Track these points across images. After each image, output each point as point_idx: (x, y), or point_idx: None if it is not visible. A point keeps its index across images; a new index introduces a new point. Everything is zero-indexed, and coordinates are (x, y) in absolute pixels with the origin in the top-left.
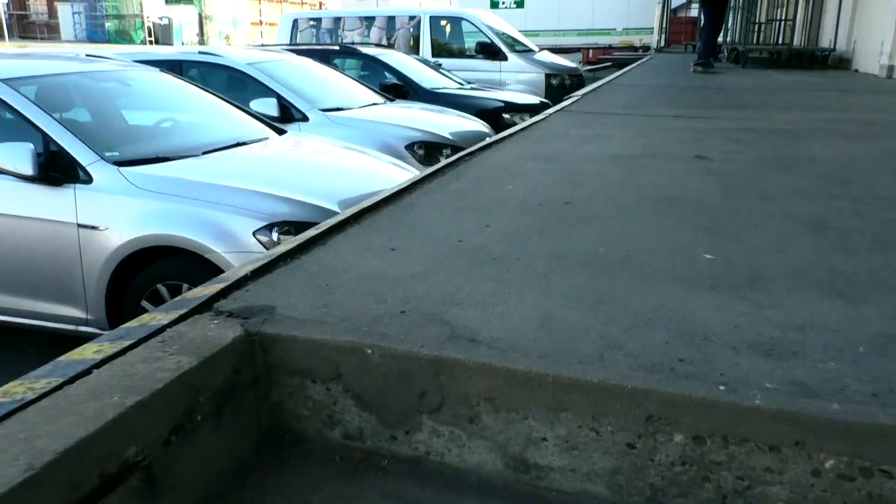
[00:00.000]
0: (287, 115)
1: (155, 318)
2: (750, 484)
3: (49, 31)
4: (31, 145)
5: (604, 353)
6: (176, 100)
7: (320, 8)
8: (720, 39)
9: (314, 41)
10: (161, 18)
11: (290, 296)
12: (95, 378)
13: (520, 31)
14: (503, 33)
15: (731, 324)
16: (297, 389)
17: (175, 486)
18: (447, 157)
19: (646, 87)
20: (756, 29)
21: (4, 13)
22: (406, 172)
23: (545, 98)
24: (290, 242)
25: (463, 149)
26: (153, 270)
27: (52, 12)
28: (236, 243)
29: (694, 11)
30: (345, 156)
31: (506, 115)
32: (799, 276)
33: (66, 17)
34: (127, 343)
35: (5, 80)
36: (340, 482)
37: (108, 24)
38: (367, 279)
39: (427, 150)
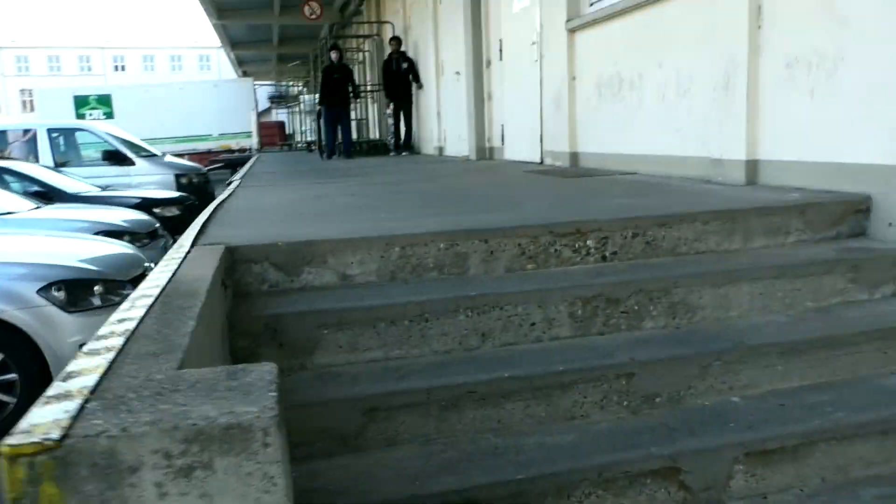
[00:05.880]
0: None
1: None
2: None
3: None
4: None
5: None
6: None
7: None
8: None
9: None
10: None
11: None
12: None
13: None
14: (126, 140)
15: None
16: (247, 268)
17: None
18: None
19: (284, 172)
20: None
21: None
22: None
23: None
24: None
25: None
26: None
27: None
28: None
29: (276, 116)
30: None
31: (156, 210)
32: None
33: None
34: None
35: None
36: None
37: None
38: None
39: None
